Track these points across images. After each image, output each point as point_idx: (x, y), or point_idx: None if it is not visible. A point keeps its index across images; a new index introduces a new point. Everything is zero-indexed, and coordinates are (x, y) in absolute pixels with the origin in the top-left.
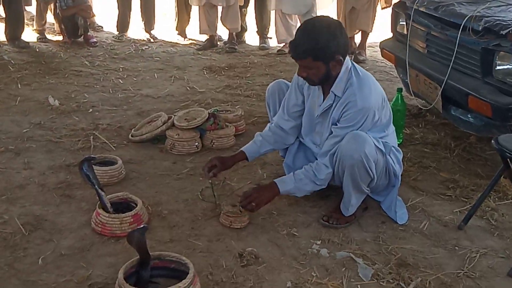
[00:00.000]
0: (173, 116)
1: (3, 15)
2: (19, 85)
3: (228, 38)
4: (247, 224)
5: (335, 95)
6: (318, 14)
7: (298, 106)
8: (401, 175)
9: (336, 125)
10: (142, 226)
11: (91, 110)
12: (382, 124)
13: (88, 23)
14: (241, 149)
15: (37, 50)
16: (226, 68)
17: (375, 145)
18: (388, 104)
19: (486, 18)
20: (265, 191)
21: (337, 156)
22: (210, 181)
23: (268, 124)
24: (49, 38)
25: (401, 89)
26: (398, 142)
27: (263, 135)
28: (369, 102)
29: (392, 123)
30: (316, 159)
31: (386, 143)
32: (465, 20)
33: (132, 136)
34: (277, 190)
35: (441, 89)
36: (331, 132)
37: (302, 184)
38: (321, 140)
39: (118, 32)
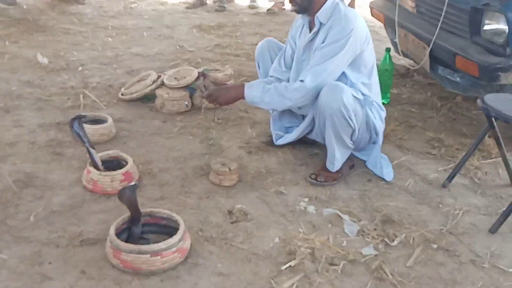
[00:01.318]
0: (162, 75)
1: None
2: (6, 43)
3: None
4: (236, 182)
5: (320, 22)
6: None
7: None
8: (388, 134)
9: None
10: (133, 183)
11: (80, 68)
12: (365, 66)
13: None
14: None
15: (25, 7)
16: (216, 27)
17: (353, 95)
18: (372, 49)
19: None
20: (231, 90)
21: (317, 109)
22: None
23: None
24: None
25: (390, 48)
26: (385, 102)
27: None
28: (353, 24)
29: (377, 78)
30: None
31: (366, 96)
32: None
33: (122, 94)
34: (242, 93)
35: (429, 49)
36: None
37: (268, 95)
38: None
39: None
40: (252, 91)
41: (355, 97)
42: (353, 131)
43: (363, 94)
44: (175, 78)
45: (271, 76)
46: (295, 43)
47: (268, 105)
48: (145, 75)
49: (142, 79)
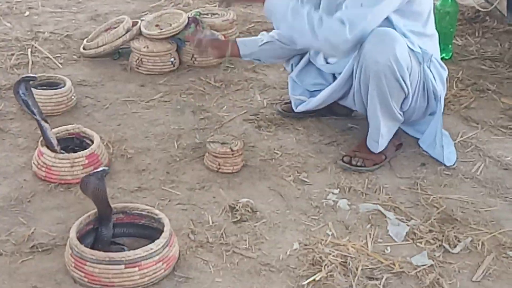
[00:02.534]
0: (139, 21)
1: None
2: None
3: None
4: (241, 167)
5: None
6: None
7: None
8: (449, 102)
9: None
10: (100, 169)
11: (27, 13)
12: (419, 13)
13: None
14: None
15: None
16: None
17: (408, 46)
18: None
19: None
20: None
21: (358, 63)
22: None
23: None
24: None
25: None
26: (446, 57)
27: (270, 40)
28: None
29: (434, 27)
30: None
31: (424, 50)
32: None
33: (84, 48)
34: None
35: None
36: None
37: (294, 16)
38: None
39: None
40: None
41: (412, 49)
42: (406, 96)
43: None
44: (157, 25)
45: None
46: None
47: (287, 29)
48: (115, 21)
49: (111, 27)
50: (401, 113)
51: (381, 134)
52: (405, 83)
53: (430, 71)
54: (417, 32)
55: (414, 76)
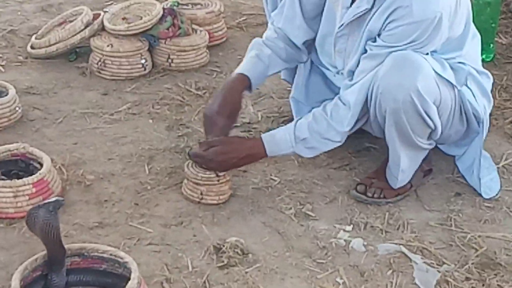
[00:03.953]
0: (102, 13)
1: None
2: None
3: None
4: (229, 197)
5: None
6: None
7: (320, 5)
8: (491, 115)
9: (375, 40)
10: (52, 200)
11: None
12: (454, 39)
13: None
14: (237, 71)
15: None
16: None
17: (435, 71)
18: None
19: None
20: (240, 151)
21: (372, 95)
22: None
23: (270, 24)
24: None
25: None
26: (487, 59)
27: (270, 45)
28: (434, 7)
29: (473, 28)
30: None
31: (460, 65)
32: None
33: (33, 47)
34: (263, 154)
35: None
36: (365, 52)
37: (305, 143)
38: (345, 64)
39: None
40: (278, 148)
41: (440, 75)
42: (433, 130)
43: (458, 63)
44: (124, 18)
45: (278, 28)
46: None
47: (309, 153)
48: (72, 13)
49: (66, 20)
50: (430, 142)
51: (401, 169)
52: (431, 118)
53: (468, 88)
54: (455, 56)
55: (445, 107)
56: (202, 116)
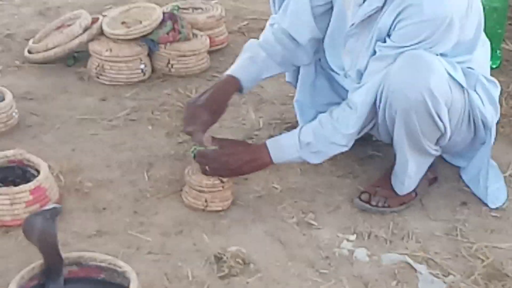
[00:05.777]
0: (101, 17)
1: None
2: None
3: None
4: (230, 205)
5: None
6: None
7: (329, 2)
8: (496, 122)
9: (385, 41)
10: (49, 207)
11: None
12: (465, 43)
13: None
14: (228, 72)
15: None
16: None
17: (449, 73)
18: (477, 2)
19: None
20: (244, 154)
21: (382, 94)
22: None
23: (269, 26)
24: None
25: None
26: (494, 66)
27: (266, 48)
28: (445, 7)
29: (483, 35)
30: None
31: (470, 70)
32: None
33: (30, 52)
34: (267, 160)
35: None
36: (375, 53)
37: (310, 148)
38: (354, 64)
39: None
40: (284, 154)
41: (452, 77)
42: (443, 134)
43: (468, 68)
44: (123, 22)
45: (281, 29)
46: None
47: (315, 158)
48: (70, 17)
49: (65, 24)
50: (437, 148)
51: (408, 174)
52: (441, 120)
53: (477, 94)
54: (466, 60)
55: (455, 110)
56: (184, 107)
